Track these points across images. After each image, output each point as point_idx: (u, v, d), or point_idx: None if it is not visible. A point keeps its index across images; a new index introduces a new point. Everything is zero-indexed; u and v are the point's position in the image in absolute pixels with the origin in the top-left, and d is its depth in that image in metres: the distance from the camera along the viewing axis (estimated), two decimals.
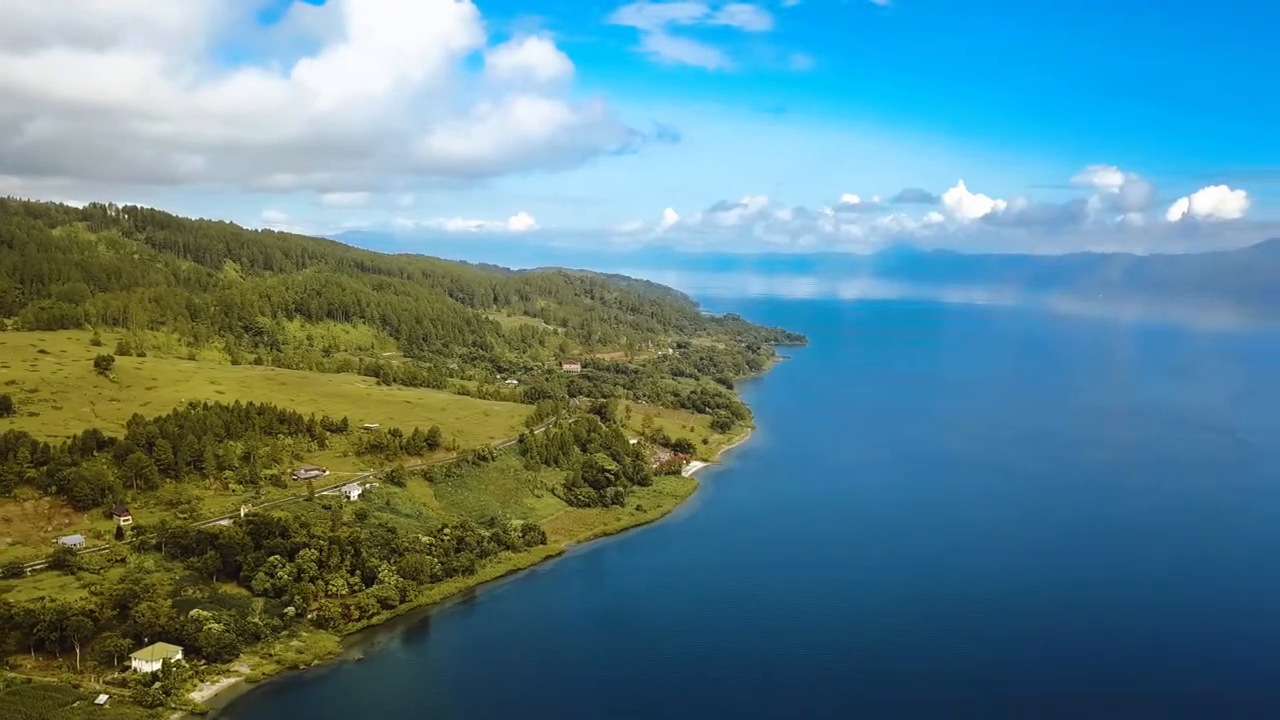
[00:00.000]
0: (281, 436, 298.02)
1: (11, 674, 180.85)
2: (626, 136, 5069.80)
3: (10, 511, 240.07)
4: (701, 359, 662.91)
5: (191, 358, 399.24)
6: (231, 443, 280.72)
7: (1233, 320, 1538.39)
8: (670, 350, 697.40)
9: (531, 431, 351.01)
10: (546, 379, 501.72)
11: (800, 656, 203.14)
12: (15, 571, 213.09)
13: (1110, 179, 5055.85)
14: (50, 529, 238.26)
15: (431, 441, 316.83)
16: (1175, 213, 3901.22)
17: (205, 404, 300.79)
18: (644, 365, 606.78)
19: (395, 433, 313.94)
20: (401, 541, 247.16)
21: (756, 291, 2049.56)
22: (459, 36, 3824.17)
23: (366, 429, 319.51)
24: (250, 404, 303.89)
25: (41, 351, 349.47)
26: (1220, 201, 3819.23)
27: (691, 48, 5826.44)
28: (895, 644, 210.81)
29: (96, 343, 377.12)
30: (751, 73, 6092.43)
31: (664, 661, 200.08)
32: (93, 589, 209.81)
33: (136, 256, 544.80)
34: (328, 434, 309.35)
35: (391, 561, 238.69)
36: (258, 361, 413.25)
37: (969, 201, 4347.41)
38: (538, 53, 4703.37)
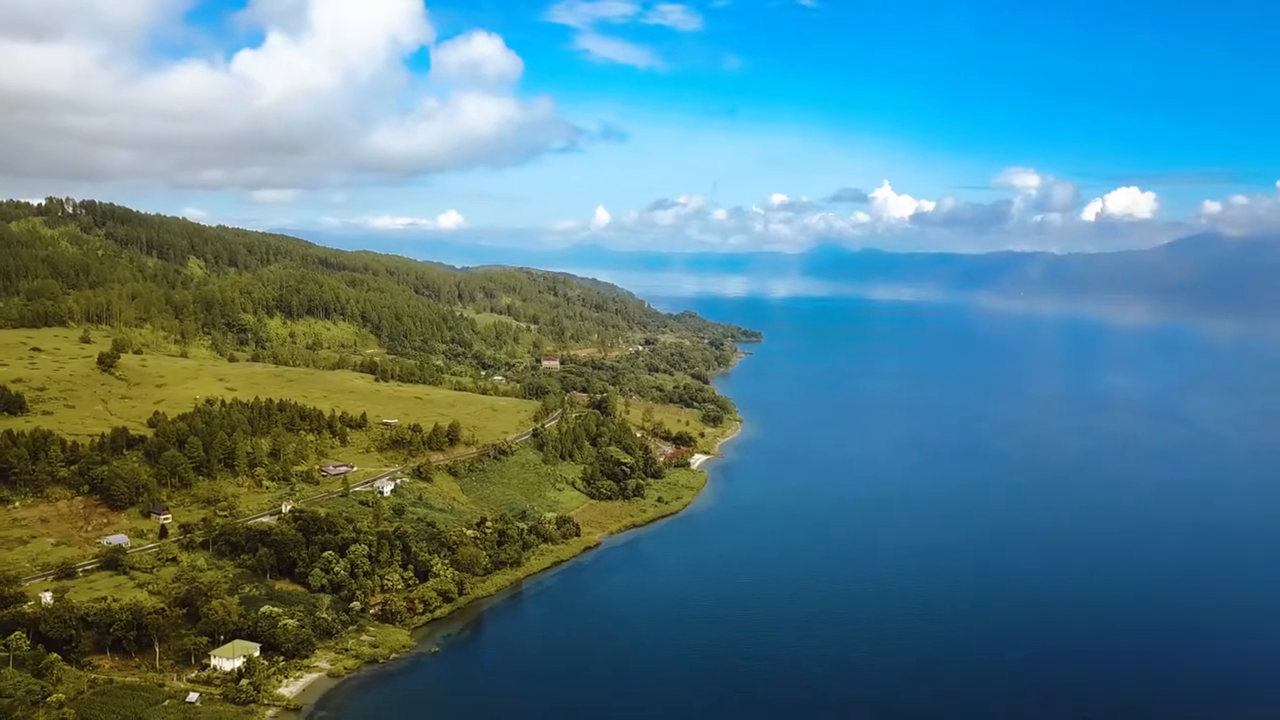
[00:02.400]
0: (303, 433, 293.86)
1: (92, 674, 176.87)
2: (574, 135, 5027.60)
3: (45, 512, 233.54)
4: (672, 355, 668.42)
5: (184, 355, 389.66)
6: (259, 439, 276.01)
7: (1147, 316, 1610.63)
8: (639, 347, 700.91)
9: (543, 426, 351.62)
10: (532, 375, 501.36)
11: (859, 636, 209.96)
12: (68, 572, 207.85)
13: (1028, 180, 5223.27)
14: (90, 529, 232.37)
15: (452, 436, 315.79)
16: (1090, 213, 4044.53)
17: (222, 401, 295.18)
18: (618, 361, 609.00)
19: (416, 428, 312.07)
20: (450, 535, 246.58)
21: (690, 290, 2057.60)
22: (407, 32, 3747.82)
23: (385, 424, 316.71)
24: (269, 400, 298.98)
25: (35, 349, 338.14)
26: (1132, 203, 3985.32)
27: (623, 47, 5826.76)
28: (932, 631, 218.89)
29: (87, 340, 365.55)
30: (686, 73, 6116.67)
31: (725, 649, 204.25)
32: (149, 588, 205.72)
33: (100, 253, 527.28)
34: (348, 430, 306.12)
35: (442, 555, 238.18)
36: (255, 358, 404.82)
37: (896, 201, 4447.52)
38: (487, 49, 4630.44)
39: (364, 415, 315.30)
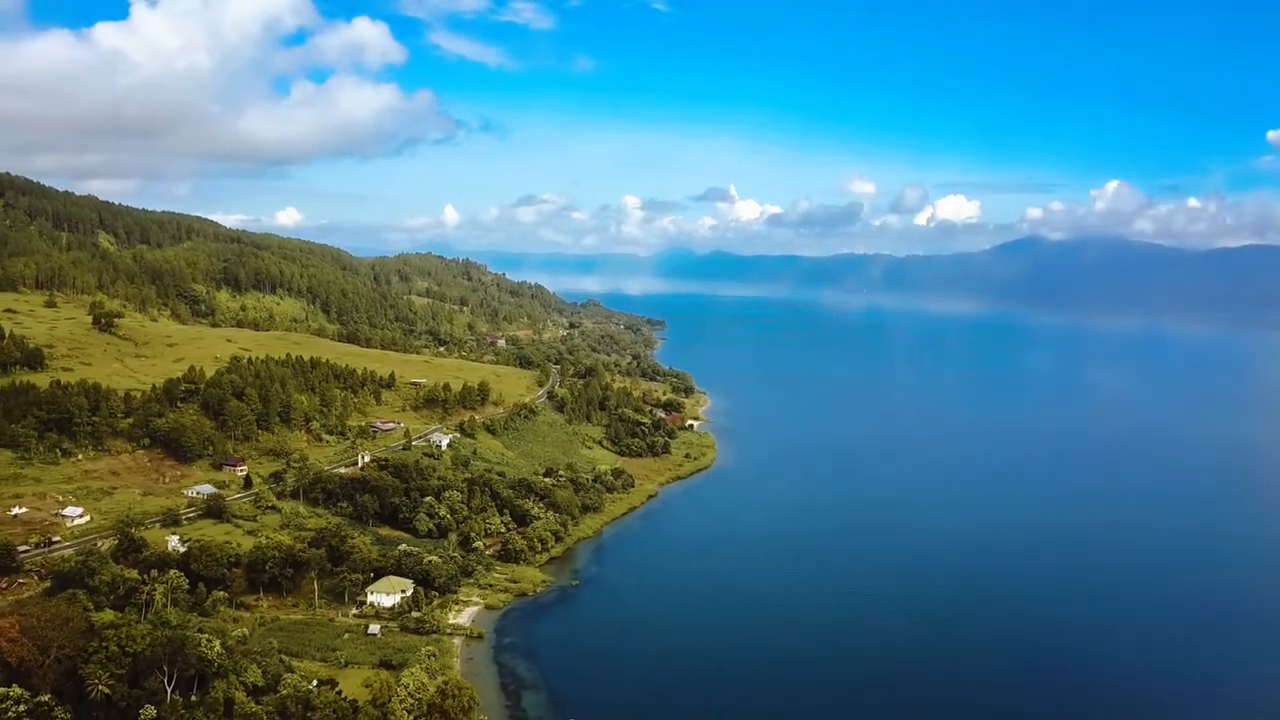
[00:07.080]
0: (340, 391, 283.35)
1: (256, 614, 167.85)
2: (452, 128, 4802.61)
3: (113, 464, 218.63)
4: (603, 337, 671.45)
5: (154, 320, 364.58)
6: (308, 395, 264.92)
7: (978, 311, 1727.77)
8: (566, 330, 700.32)
9: (554, 390, 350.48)
10: (493, 352, 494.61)
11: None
12: (174, 520, 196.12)
13: (866, 188, 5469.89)
14: (166, 481, 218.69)
15: (483, 395, 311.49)
16: (923, 218, 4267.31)
17: (250, 359, 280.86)
18: (557, 342, 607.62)
19: (447, 387, 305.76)
20: (539, 483, 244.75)
21: (548, 288, 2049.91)
22: (287, 13, 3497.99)
23: (414, 384, 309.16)
24: (299, 358, 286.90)
25: (9, 311, 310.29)
26: (958, 209, 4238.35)
27: (472, 44, 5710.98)
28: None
29: (52, 304, 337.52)
30: (540, 72, 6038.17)
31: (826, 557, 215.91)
32: (261, 535, 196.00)
33: (9, 223, 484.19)
34: (380, 389, 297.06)
35: (532, 500, 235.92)
36: (239, 324, 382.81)
37: (746, 205, 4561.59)
38: (370, 35, 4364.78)
39: (392, 375, 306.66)
